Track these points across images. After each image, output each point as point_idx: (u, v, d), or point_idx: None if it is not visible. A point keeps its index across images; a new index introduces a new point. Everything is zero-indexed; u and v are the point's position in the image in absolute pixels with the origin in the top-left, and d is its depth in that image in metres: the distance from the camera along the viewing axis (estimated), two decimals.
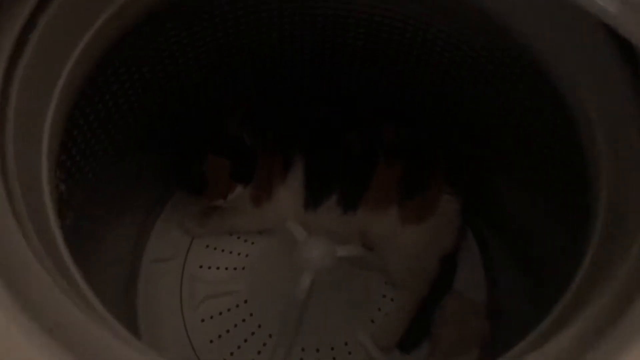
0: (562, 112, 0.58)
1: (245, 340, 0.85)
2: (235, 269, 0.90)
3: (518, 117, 0.69)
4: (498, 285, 0.88)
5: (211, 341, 0.86)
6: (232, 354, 0.85)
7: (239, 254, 0.91)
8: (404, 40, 0.73)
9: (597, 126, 0.54)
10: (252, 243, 0.92)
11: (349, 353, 0.84)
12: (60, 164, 0.57)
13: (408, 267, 0.84)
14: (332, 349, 0.85)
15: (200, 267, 0.91)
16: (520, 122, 0.70)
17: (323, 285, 0.81)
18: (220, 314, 0.87)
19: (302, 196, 0.84)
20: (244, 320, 0.87)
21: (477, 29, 0.65)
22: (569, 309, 0.46)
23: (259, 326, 0.86)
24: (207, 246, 0.92)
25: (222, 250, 0.92)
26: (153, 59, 0.69)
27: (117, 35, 0.57)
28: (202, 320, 0.87)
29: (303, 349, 0.84)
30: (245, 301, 0.88)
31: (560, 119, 0.59)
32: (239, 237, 0.93)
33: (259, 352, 0.84)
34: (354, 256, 0.82)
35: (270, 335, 0.85)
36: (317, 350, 0.84)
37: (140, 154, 0.80)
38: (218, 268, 0.91)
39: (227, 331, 0.86)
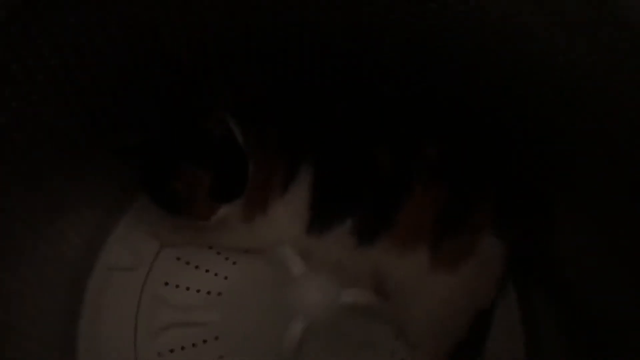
0: None
1: None
2: (209, 293, 0.71)
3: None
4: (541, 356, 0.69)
5: None
6: None
7: (216, 274, 0.72)
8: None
9: None
10: (234, 263, 0.73)
11: None
12: None
13: (431, 325, 0.65)
14: None
15: (166, 284, 0.72)
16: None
17: (318, 337, 0.62)
18: (183, 349, 0.69)
19: (305, 216, 0.65)
20: None
21: None
22: None
23: None
24: (178, 259, 0.73)
25: (196, 267, 0.73)
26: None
27: None
28: (159, 355, 0.68)
29: None
30: (216, 338, 0.69)
31: None
32: (218, 253, 0.74)
33: None
34: (363, 304, 0.63)
35: None
36: None
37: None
38: (188, 289, 0.72)
39: None
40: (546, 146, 0.64)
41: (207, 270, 0.73)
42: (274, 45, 0.65)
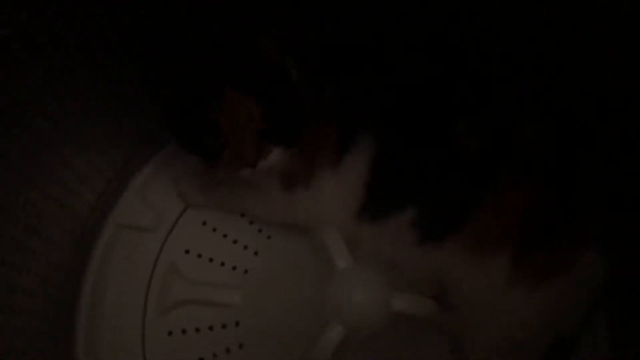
0: None
1: None
2: (234, 268, 0.61)
3: None
4: None
5: None
6: None
7: (245, 247, 0.62)
8: None
9: None
10: (268, 237, 0.62)
11: None
12: None
13: (499, 346, 0.54)
14: None
15: (187, 252, 0.62)
16: None
17: (357, 346, 0.51)
18: (197, 330, 0.59)
19: (358, 196, 0.53)
20: (228, 350, 0.58)
21: None
22: None
23: None
24: (204, 223, 0.64)
25: (224, 236, 0.63)
26: None
27: None
28: (169, 334, 0.59)
29: None
30: (237, 324, 0.59)
31: None
32: (251, 223, 0.63)
33: None
34: (417, 315, 0.51)
35: None
36: None
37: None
38: (211, 260, 0.62)
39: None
40: None
41: (235, 241, 0.62)
42: None
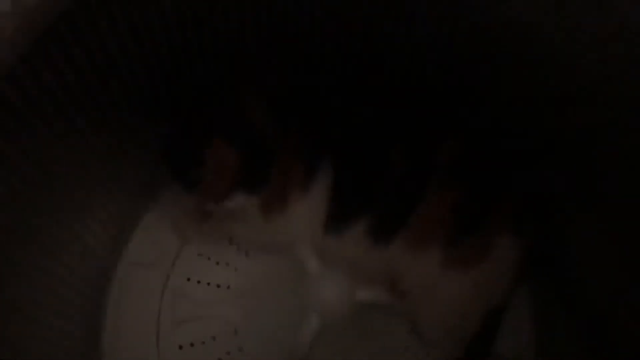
0: None
1: None
2: (228, 287, 0.74)
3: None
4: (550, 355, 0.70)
5: None
6: None
7: (236, 269, 0.75)
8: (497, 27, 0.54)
9: None
10: (255, 260, 0.75)
11: None
12: None
13: (444, 323, 0.67)
14: None
15: (188, 279, 0.74)
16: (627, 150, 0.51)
17: (333, 332, 0.64)
18: (203, 342, 0.71)
19: (323, 215, 0.66)
20: (228, 353, 0.70)
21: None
22: None
23: None
24: (200, 255, 0.76)
25: (217, 263, 0.75)
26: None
27: None
28: (180, 348, 0.71)
29: None
30: (236, 332, 0.71)
31: None
32: (239, 250, 0.76)
33: None
34: (377, 302, 0.64)
35: None
36: None
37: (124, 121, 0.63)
38: (209, 284, 0.74)
39: None
40: (570, 150, 0.64)
41: (227, 265, 0.75)
42: (301, 45, 0.66)
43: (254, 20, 0.62)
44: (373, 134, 0.68)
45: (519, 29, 0.55)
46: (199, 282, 0.74)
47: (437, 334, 0.67)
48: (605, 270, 0.64)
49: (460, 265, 0.64)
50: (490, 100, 0.68)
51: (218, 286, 0.74)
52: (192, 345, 0.71)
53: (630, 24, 0.46)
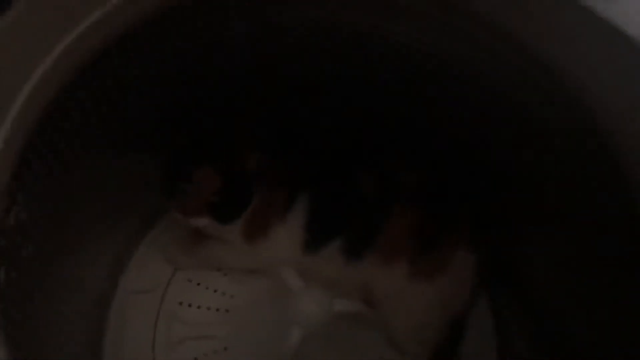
0: (617, 171, 0.49)
1: None
2: (218, 310, 0.81)
3: (564, 170, 0.60)
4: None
5: None
6: None
7: (224, 293, 0.82)
8: (440, 76, 0.64)
9: None
10: (240, 283, 0.82)
11: None
12: (23, 186, 0.48)
13: (412, 330, 0.75)
14: None
15: (180, 303, 0.81)
16: (566, 177, 0.60)
17: (314, 343, 0.72)
18: (196, 359, 0.77)
19: (302, 237, 0.75)
20: None
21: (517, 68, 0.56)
22: None
23: None
24: (190, 281, 0.83)
25: (207, 288, 0.82)
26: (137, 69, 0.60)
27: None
28: None
29: None
30: (225, 348, 0.78)
31: (615, 179, 0.50)
32: (225, 274, 0.83)
33: None
34: (353, 313, 0.72)
35: None
36: None
37: (126, 168, 0.71)
38: (199, 307, 0.81)
39: None
40: (513, 176, 0.72)
41: (215, 290, 0.82)
42: (278, 100, 0.76)
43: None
44: (343, 166, 0.77)
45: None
46: (190, 305, 0.81)
47: (407, 341, 0.75)
48: (553, 277, 0.72)
49: (425, 277, 0.73)
50: (443, 140, 0.78)
51: (208, 309, 0.81)
52: None
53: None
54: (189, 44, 0.61)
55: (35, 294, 0.56)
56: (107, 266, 0.80)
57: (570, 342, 0.67)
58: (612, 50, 0.47)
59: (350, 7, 0.60)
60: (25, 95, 0.41)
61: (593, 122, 0.49)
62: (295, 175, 0.76)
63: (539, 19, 0.50)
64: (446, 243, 0.74)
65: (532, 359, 0.76)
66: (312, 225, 0.74)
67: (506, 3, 0.50)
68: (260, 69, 0.70)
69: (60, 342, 0.66)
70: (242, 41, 0.64)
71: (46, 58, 0.42)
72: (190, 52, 0.63)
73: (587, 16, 0.48)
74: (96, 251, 0.75)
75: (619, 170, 0.49)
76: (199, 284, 0.83)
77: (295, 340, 0.68)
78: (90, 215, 0.67)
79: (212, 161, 0.68)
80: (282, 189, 0.75)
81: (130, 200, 0.77)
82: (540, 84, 0.54)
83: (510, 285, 0.81)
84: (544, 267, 0.74)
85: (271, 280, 0.76)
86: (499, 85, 0.60)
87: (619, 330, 0.54)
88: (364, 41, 0.64)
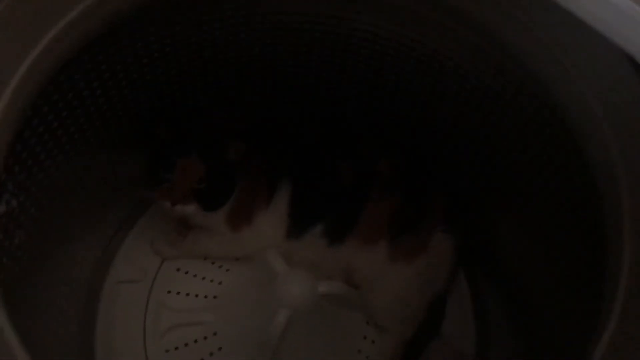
0: (580, 155, 0.52)
1: None
2: (206, 297, 0.83)
3: (529, 156, 0.63)
4: (489, 338, 0.81)
5: None
6: None
7: (211, 280, 0.84)
8: (411, 66, 0.67)
9: (620, 172, 0.47)
10: (227, 270, 0.85)
11: None
12: (12, 175, 0.50)
13: (393, 309, 0.77)
14: None
15: (169, 292, 0.83)
16: (531, 162, 0.63)
17: (300, 323, 0.74)
18: (186, 345, 0.80)
19: (285, 224, 0.78)
20: (211, 354, 0.79)
21: (495, 66, 0.60)
22: None
23: None
24: (178, 270, 0.85)
25: (194, 276, 0.85)
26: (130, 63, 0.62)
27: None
28: (166, 351, 0.79)
29: None
30: (215, 333, 0.80)
31: (577, 162, 0.53)
32: (213, 263, 0.86)
33: None
34: (336, 293, 0.75)
35: None
36: None
37: (112, 160, 0.73)
38: (188, 294, 0.83)
39: None
40: (484, 164, 0.75)
41: (203, 278, 0.84)
42: (261, 94, 0.79)
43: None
44: (321, 155, 0.80)
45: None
46: (178, 293, 0.83)
47: (389, 320, 0.78)
48: (524, 257, 0.76)
49: (404, 259, 0.76)
50: (417, 130, 0.81)
51: (196, 296, 0.83)
52: (176, 349, 0.79)
53: None
54: (173, 38, 0.64)
55: (28, 282, 0.58)
56: (96, 257, 0.82)
57: (537, 313, 0.71)
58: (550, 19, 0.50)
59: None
60: (12, 86, 0.43)
61: (540, 87, 0.52)
62: (276, 165, 0.78)
63: None
64: (423, 226, 0.78)
65: (509, 335, 0.79)
66: (294, 212, 0.77)
67: None
68: (242, 62, 0.73)
69: (53, 329, 0.68)
70: (228, 34, 0.66)
71: (31, 51, 0.44)
72: (173, 46, 0.65)
73: None
74: (85, 242, 0.77)
75: (567, 127, 0.52)
76: (187, 273, 0.85)
77: (281, 322, 0.70)
78: (78, 206, 0.69)
79: (197, 150, 0.71)
80: (263, 178, 0.78)
81: (117, 193, 0.80)
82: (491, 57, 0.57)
83: (486, 263, 0.84)
84: (513, 243, 0.77)
85: (257, 265, 0.79)
86: (459, 65, 0.63)
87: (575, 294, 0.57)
88: (339, 31, 0.66)
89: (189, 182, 0.70)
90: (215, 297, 0.83)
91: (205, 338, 0.80)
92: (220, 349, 0.79)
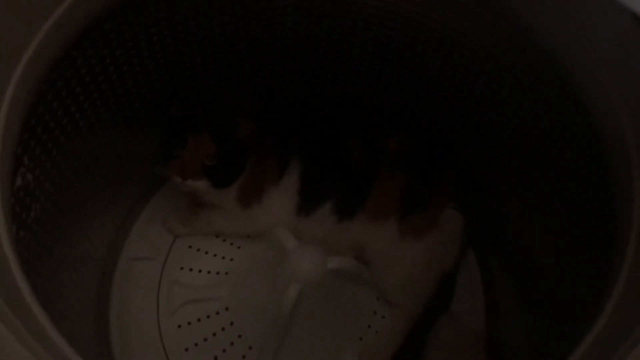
0: (589, 128, 0.52)
1: (224, 351, 0.79)
2: (218, 273, 0.84)
3: (539, 130, 0.63)
4: (498, 313, 0.82)
5: (187, 349, 0.79)
6: None
7: (223, 257, 0.85)
8: (419, 42, 0.67)
9: (631, 145, 0.47)
10: (238, 247, 0.86)
11: None
12: (27, 149, 0.51)
13: (403, 285, 0.78)
14: None
15: (181, 269, 0.85)
16: (541, 135, 0.63)
17: (310, 298, 0.75)
18: (199, 320, 0.81)
19: (295, 201, 0.78)
20: (223, 329, 0.81)
21: (502, 36, 0.59)
22: None
23: (239, 336, 0.80)
24: (190, 247, 0.86)
25: (206, 253, 0.86)
26: (139, 41, 0.63)
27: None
28: (179, 327, 0.81)
29: None
30: (227, 309, 0.82)
31: (587, 133, 0.53)
32: (224, 240, 0.87)
33: None
34: (346, 269, 0.76)
35: (250, 348, 0.79)
36: None
37: (126, 139, 0.74)
38: (200, 271, 0.85)
39: (205, 340, 0.80)
40: (494, 139, 0.75)
41: (215, 255, 0.86)
42: (272, 71, 0.79)
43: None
44: (332, 133, 0.81)
45: None
46: (191, 270, 0.85)
47: (399, 296, 0.78)
48: (533, 233, 0.76)
49: (413, 235, 0.77)
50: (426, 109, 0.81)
51: (208, 272, 0.85)
52: (189, 324, 0.81)
53: None
54: (184, 16, 0.64)
55: (44, 256, 0.60)
56: (110, 235, 0.84)
57: (547, 289, 0.71)
58: None
59: None
60: (25, 60, 0.43)
61: (549, 58, 0.52)
62: (286, 142, 0.79)
63: None
64: (433, 203, 0.78)
65: (516, 319, 0.79)
66: (304, 189, 0.78)
67: None
68: (252, 40, 0.73)
69: (71, 303, 0.70)
70: (238, 12, 0.67)
71: (44, 23, 0.44)
72: (184, 24, 0.65)
73: None
74: (99, 220, 0.78)
75: (576, 97, 0.52)
76: (198, 250, 0.86)
77: (293, 296, 0.71)
78: (93, 183, 0.70)
79: (208, 128, 0.71)
80: (274, 155, 0.78)
81: (131, 172, 0.80)
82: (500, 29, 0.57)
83: (496, 240, 0.85)
84: (523, 219, 0.77)
85: (268, 241, 0.80)
86: (468, 37, 0.63)
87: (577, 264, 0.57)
88: (348, 7, 0.67)
89: (200, 158, 0.71)
90: (227, 273, 0.84)
91: (217, 313, 0.81)
92: (232, 323, 0.81)
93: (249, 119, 0.75)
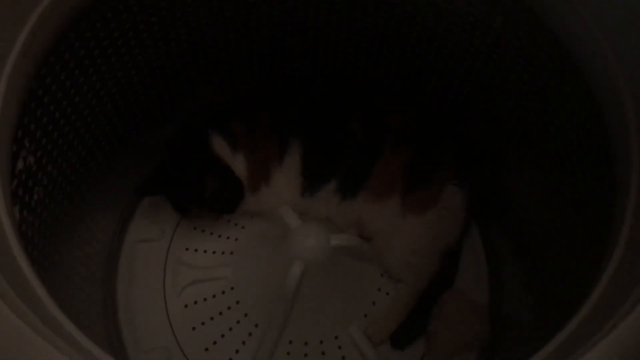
0: (590, 98, 0.52)
1: (230, 329, 0.80)
2: (223, 253, 0.85)
3: (540, 104, 0.63)
4: (502, 288, 0.82)
5: (194, 328, 0.80)
6: (215, 342, 0.79)
7: (227, 237, 0.86)
8: (421, 16, 0.67)
9: (630, 117, 0.47)
10: (243, 227, 0.87)
11: (339, 347, 0.79)
12: (28, 132, 0.52)
13: (407, 261, 0.78)
14: (321, 342, 0.79)
15: (187, 249, 0.86)
16: (544, 110, 0.63)
17: (315, 276, 0.76)
18: (205, 300, 0.82)
19: (298, 181, 0.78)
20: (229, 307, 0.81)
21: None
22: (581, 331, 0.41)
23: (245, 315, 0.81)
24: (195, 228, 0.87)
25: (211, 234, 0.87)
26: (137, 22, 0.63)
27: None
28: (185, 306, 0.82)
29: (290, 342, 0.79)
30: (232, 288, 0.83)
31: (587, 106, 0.53)
32: (228, 220, 0.87)
33: (243, 342, 0.79)
34: (350, 246, 0.76)
35: (256, 325, 0.80)
36: (306, 344, 0.79)
37: (128, 126, 0.75)
38: (205, 252, 0.85)
39: (211, 318, 0.81)
40: (497, 115, 0.76)
41: (219, 235, 0.86)
42: (267, 47, 0.78)
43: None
44: (331, 112, 0.80)
45: None
46: (196, 250, 0.85)
47: (403, 272, 0.79)
48: (536, 209, 0.76)
49: (415, 211, 0.77)
50: (427, 83, 0.80)
51: (213, 252, 0.85)
52: (195, 303, 0.82)
53: None
54: None
55: (49, 237, 0.60)
56: (114, 216, 0.84)
57: (550, 264, 0.71)
58: None
59: None
60: (21, 42, 0.43)
61: (551, 33, 0.52)
62: (286, 123, 0.79)
63: None
64: (435, 179, 0.78)
65: (520, 292, 0.79)
66: (307, 170, 0.78)
67: None
68: (251, 17, 0.72)
69: (78, 285, 0.71)
70: None
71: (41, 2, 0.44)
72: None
73: None
74: (103, 202, 0.79)
75: (578, 71, 0.52)
76: (203, 231, 0.87)
77: (297, 273, 0.72)
78: (95, 166, 0.71)
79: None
80: (275, 137, 0.78)
81: (134, 155, 0.81)
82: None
83: (499, 216, 0.85)
84: (526, 195, 0.78)
85: (271, 220, 0.80)
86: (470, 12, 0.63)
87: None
88: None
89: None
90: (231, 253, 0.85)
91: (223, 292, 0.82)
92: (238, 302, 0.82)
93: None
